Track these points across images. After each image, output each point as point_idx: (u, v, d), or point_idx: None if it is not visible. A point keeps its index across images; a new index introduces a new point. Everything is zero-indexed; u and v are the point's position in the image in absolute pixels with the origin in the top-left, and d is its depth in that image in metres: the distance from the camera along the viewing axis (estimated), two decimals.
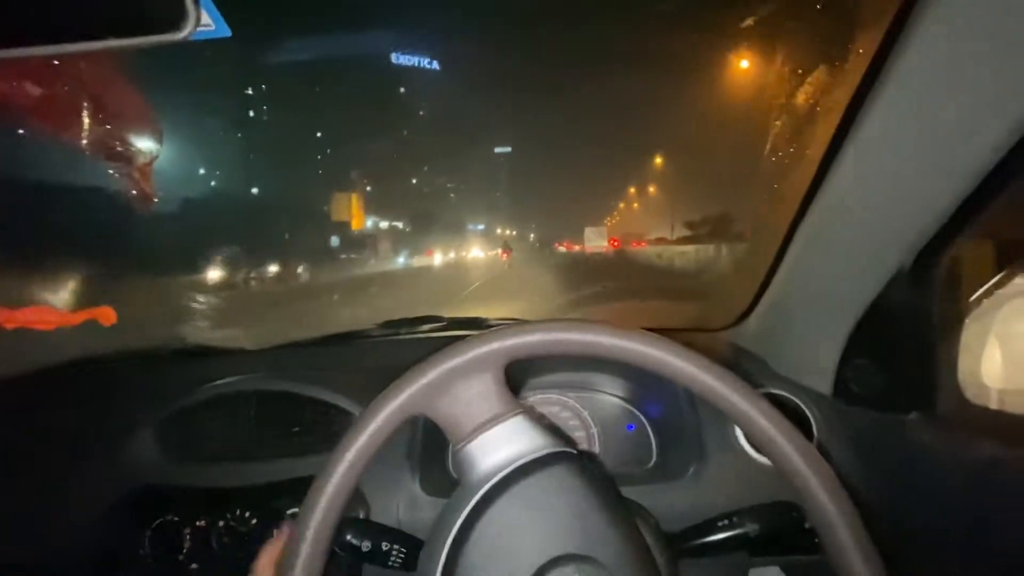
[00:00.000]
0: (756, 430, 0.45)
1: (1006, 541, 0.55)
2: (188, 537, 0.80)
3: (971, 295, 0.70)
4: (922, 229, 0.62)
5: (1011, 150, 0.50)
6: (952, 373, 0.67)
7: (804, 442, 0.44)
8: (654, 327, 0.67)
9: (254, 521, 0.79)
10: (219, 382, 0.91)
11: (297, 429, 0.89)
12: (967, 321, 0.68)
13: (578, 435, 0.89)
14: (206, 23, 0.43)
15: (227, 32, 0.45)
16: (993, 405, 0.65)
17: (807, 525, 0.66)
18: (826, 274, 0.76)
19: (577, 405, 0.90)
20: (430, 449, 0.80)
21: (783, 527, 0.63)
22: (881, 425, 0.71)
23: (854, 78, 0.62)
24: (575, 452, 0.49)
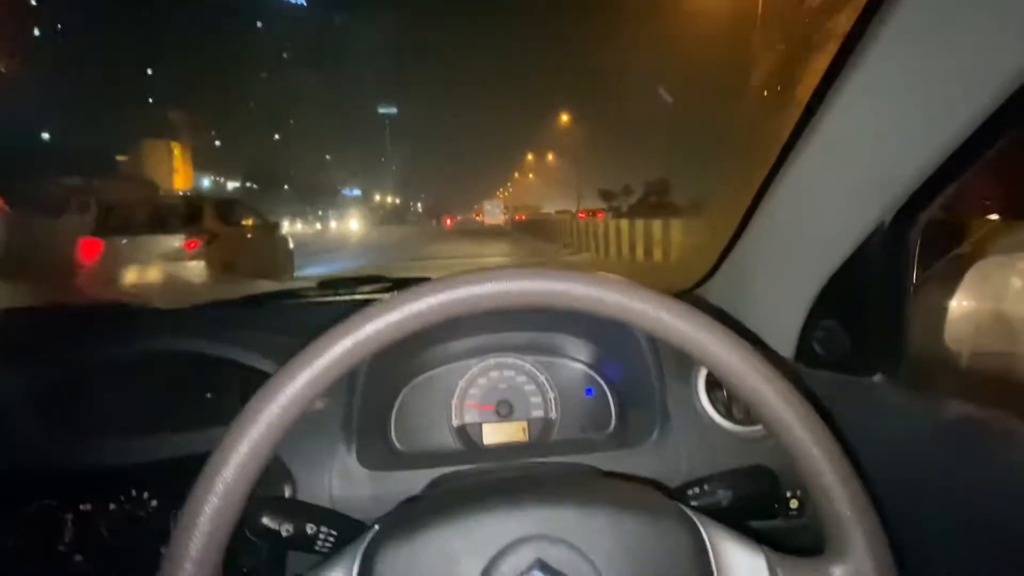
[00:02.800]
0: (743, 385, 0.39)
1: (969, 501, 0.55)
2: (70, 524, 0.66)
3: (939, 259, 0.69)
4: (898, 191, 0.60)
5: (992, 115, 0.49)
6: (917, 336, 0.67)
7: (787, 384, 0.40)
8: None
9: (153, 503, 0.67)
10: (118, 342, 0.78)
11: (210, 395, 0.77)
12: (933, 285, 0.67)
13: (534, 400, 0.83)
14: None
15: None
16: (958, 366, 0.64)
17: (778, 490, 0.65)
18: (799, 231, 0.73)
19: (534, 369, 0.84)
20: (369, 417, 0.71)
21: (754, 492, 0.60)
22: (844, 387, 0.69)
23: (839, 27, 0.58)
24: None
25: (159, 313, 1.04)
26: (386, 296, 0.39)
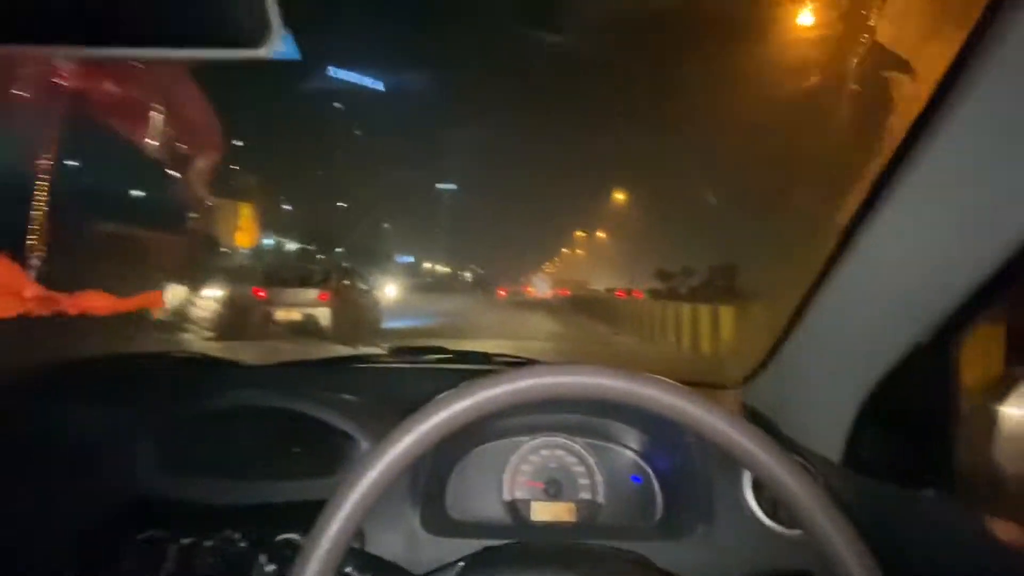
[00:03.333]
0: (786, 493, 0.44)
1: None
2: (172, 555, 0.76)
3: (988, 374, 0.70)
4: (944, 306, 0.62)
5: None
6: (968, 451, 0.67)
7: (831, 503, 0.43)
8: None
9: (242, 544, 0.75)
10: (223, 395, 0.90)
11: (298, 450, 0.87)
12: (984, 399, 0.67)
13: (582, 482, 0.87)
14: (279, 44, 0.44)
15: (297, 55, 0.46)
16: (1009, 487, 0.64)
17: None
18: (843, 340, 0.76)
19: (583, 451, 0.88)
20: (433, 485, 0.78)
21: None
22: (892, 498, 0.69)
23: (891, 140, 0.63)
24: None
25: (250, 368, 1.18)
26: (461, 368, 0.47)
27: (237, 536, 0.75)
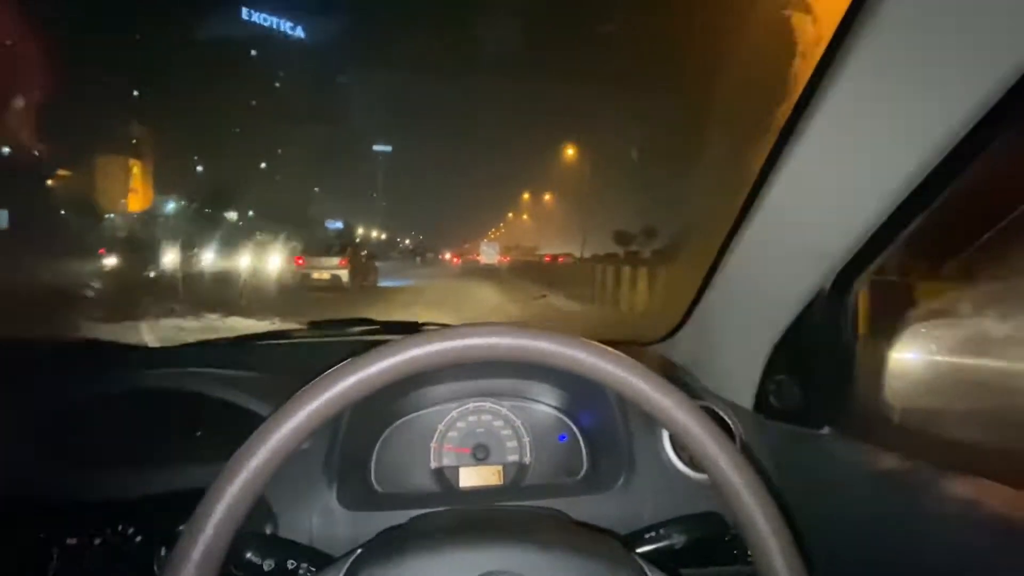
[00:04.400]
0: (691, 439, 0.44)
1: (907, 548, 0.59)
2: (55, 558, 0.68)
3: (882, 318, 0.76)
4: (840, 253, 0.66)
5: (924, 181, 0.55)
6: (862, 391, 0.72)
7: (735, 451, 0.44)
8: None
9: (138, 538, 0.69)
10: (117, 379, 0.81)
11: (199, 433, 0.80)
12: (877, 342, 0.73)
13: (509, 445, 0.87)
14: None
15: None
16: (896, 421, 0.70)
17: (731, 535, 0.68)
18: (753, 292, 0.79)
19: (510, 414, 0.88)
20: (351, 457, 0.74)
21: (708, 537, 0.64)
22: (797, 438, 0.74)
23: (788, 101, 0.65)
24: None
25: (150, 351, 1.07)
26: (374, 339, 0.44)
27: (131, 531, 0.69)
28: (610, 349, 0.45)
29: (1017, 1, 0.43)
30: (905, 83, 0.52)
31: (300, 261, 12.70)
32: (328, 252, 12.74)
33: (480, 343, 0.43)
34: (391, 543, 0.45)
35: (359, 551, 0.45)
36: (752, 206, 0.73)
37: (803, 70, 0.62)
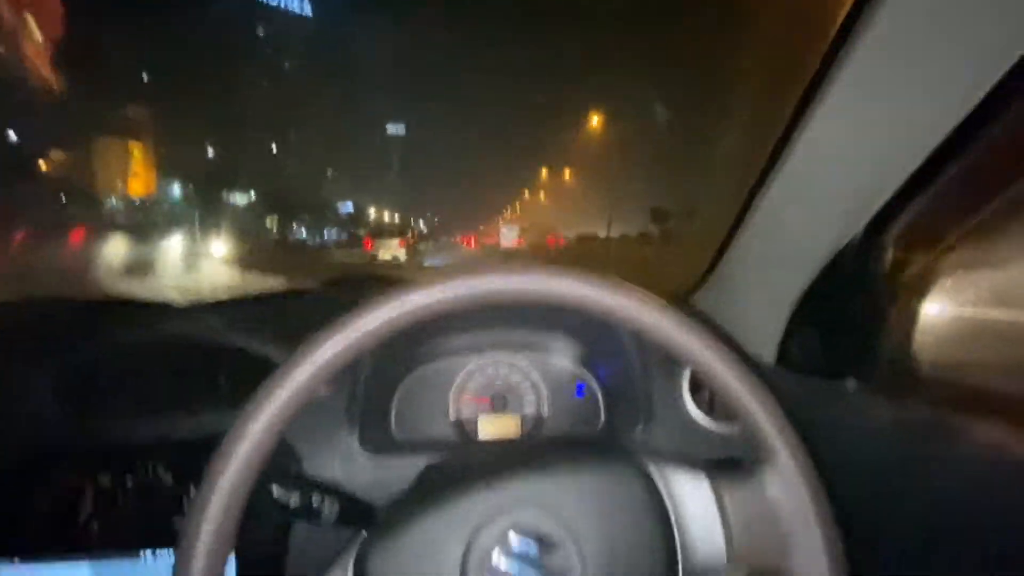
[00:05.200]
0: (716, 378, 0.43)
1: (933, 501, 0.58)
2: (91, 497, 0.71)
3: (910, 270, 0.73)
4: (872, 202, 0.64)
5: (958, 127, 0.52)
6: (888, 343, 0.70)
7: (767, 392, 0.44)
8: None
9: (169, 478, 0.71)
10: (137, 329, 0.82)
11: (223, 382, 0.81)
12: (906, 294, 0.71)
13: (527, 397, 0.87)
14: None
15: None
16: (924, 374, 0.68)
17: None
18: (778, 243, 0.77)
19: (527, 366, 0.88)
20: (371, 404, 0.75)
21: None
22: (820, 392, 0.73)
23: (816, 51, 0.62)
24: None
25: (177, 308, 1.09)
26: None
27: (161, 471, 0.71)
28: (628, 284, 0.44)
29: None
30: (934, 30, 0.50)
31: (369, 244, 16.44)
32: (390, 233, 17.86)
33: (506, 287, 0.42)
34: (393, 517, 0.45)
35: (363, 534, 0.45)
36: (781, 154, 0.71)
37: (836, 16, 0.59)
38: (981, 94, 0.49)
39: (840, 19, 0.57)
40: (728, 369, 0.43)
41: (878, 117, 0.58)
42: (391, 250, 15.33)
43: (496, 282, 0.41)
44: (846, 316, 0.72)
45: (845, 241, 0.69)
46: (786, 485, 0.43)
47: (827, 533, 0.42)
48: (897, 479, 0.63)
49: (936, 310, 0.69)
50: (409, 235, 17.69)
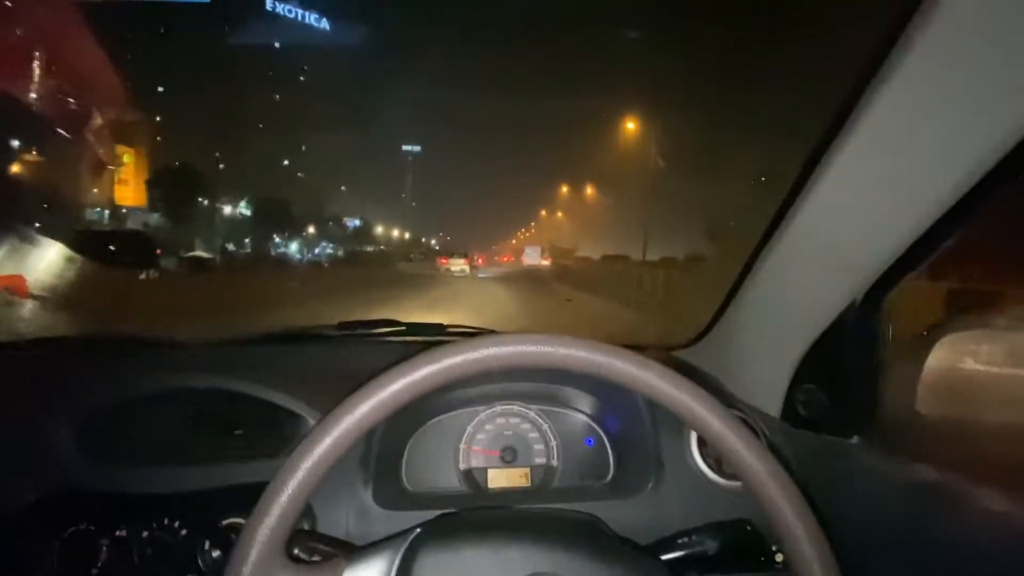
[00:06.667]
0: (726, 447, 0.45)
1: (935, 560, 0.59)
2: (105, 549, 0.71)
3: (913, 330, 0.76)
4: (873, 268, 0.67)
5: (959, 200, 0.55)
6: (891, 401, 0.72)
7: (773, 460, 0.45)
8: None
9: (183, 532, 0.72)
10: (152, 377, 0.84)
11: (239, 432, 0.83)
12: (908, 353, 0.73)
13: (537, 448, 0.88)
14: None
15: None
16: (926, 432, 0.70)
17: (761, 543, 0.69)
18: (782, 302, 0.80)
19: (538, 418, 0.89)
20: (385, 458, 0.76)
21: (740, 544, 0.64)
22: (824, 448, 0.75)
23: (824, 117, 0.66)
24: None
25: (186, 348, 1.10)
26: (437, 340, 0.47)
27: (176, 524, 0.71)
28: (636, 354, 0.47)
29: None
30: (941, 103, 0.53)
31: (444, 261, 23.37)
32: (459, 255, 23.74)
33: (525, 350, 0.45)
34: (451, 527, 0.48)
35: (418, 531, 0.47)
36: (785, 217, 0.74)
37: (840, 86, 0.63)
38: (982, 170, 0.52)
39: (848, 88, 0.60)
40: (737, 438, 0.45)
41: (883, 185, 0.61)
42: (459, 265, 22.26)
43: (534, 351, 0.45)
44: (850, 374, 0.74)
45: (848, 302, 0.71)
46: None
47: None
48: (901, 538, 0.63)
49: (939, 369, 0.71)
50: (469, 255, 24.99)
